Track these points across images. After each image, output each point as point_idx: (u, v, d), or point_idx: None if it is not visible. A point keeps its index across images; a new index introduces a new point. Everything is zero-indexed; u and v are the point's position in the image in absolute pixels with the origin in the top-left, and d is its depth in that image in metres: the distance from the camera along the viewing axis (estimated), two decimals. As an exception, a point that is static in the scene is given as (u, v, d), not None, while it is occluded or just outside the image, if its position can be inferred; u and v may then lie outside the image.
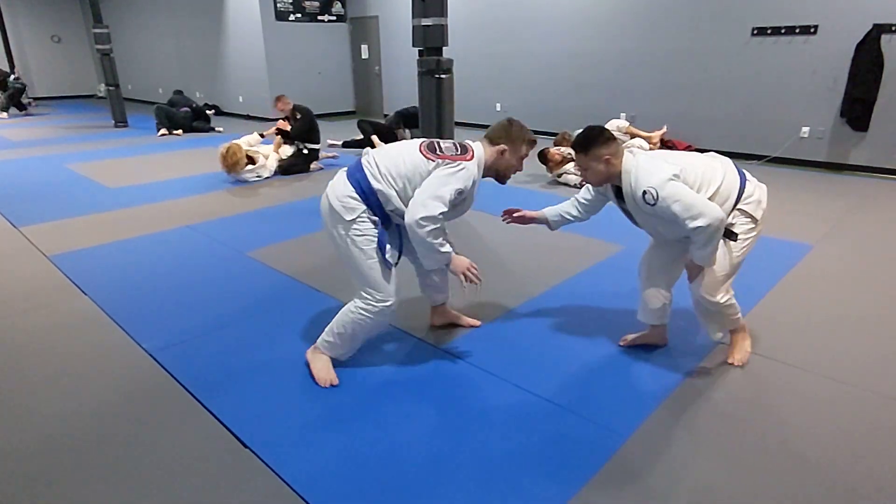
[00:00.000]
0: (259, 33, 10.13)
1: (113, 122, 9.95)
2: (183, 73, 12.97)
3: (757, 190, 2.18)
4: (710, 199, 2.05)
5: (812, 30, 5.74)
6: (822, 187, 5.28)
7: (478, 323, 2.70)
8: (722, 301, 2.21)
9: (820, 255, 3.56)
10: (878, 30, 5.32)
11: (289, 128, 6.16)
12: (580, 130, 2.21)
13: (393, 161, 2.13)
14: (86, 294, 3.10)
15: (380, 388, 2.22)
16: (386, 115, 7.79)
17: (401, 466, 1.79)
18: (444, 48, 4.30)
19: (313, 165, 6.37)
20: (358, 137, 7.47)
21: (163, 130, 9.03)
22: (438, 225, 2.06)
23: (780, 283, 3.10)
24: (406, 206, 2.09)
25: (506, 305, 2.91)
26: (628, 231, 2.30)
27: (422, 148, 2.16)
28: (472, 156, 2.16)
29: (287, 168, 6.15)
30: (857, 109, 5.58)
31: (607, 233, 3.95)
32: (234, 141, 5.74)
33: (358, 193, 2.11)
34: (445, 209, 2.05)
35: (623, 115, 7.22)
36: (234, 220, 4.50)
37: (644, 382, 2.23)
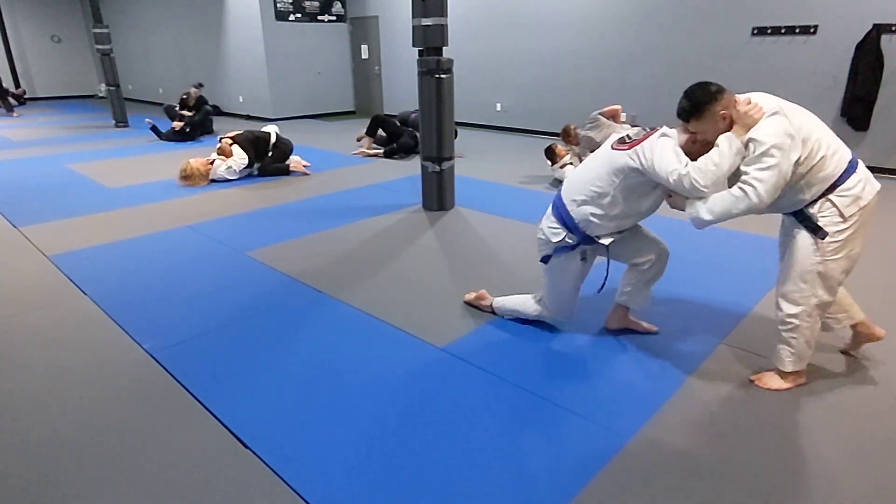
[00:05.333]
0: (259, 33, 10.13)
1: (113, 122, 9.95)
2: (183, 73, 12.97)
3: (860, 184, 1.84)
4: (808, 170, 1.81)
5: (812, 30, 5.74)
6: (822, 187, 5.27)
7: (655, 329, 2.61)
8: (789, 314, 1.96)
9: (820, 254, 3.55)
10: (878, 30, 5.31)
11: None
12: (684, 96, 1.93)
13: (588, 178, 2.23)
14: (86, 294, 3.10)
15: (379, 388, 2.22)
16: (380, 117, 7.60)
17: (400, 466, 1.79)
18: (444, 48, 4.31)
19: (293, 166, 6.10)
20: (378, 148, 7.29)
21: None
22: (699, 177, 1.88)
23: (780, 283, 3.09)
24: (611, 215, 2.19)
25: (506, 305, 2.91)
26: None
27: (615, 145, 2.19)
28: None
29: (262, 169, 5.94)
30: (857, 109, 5.58)
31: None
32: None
33: (560, 223, 2.33)
34: (684, 162, 1.93)
35: (624, 114, 7.22)
36: (234, 220, 4.50)
37: (646, 383, 2.23)
